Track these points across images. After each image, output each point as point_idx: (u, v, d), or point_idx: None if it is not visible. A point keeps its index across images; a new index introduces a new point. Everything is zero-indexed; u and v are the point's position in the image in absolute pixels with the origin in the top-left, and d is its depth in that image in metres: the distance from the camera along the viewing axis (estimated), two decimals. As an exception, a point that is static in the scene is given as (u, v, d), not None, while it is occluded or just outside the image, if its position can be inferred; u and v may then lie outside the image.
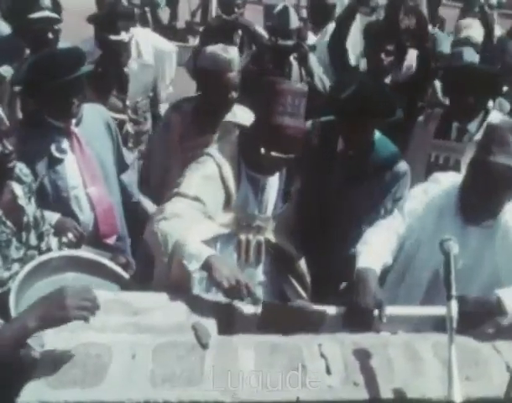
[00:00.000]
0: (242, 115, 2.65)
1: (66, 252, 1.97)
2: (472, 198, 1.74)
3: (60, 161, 2.24)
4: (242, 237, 1.94)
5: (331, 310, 1.60)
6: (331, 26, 3.76)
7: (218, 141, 2.18)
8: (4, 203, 1.78)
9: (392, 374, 1.40)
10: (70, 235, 2.06)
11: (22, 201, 1.87)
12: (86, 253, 2.00)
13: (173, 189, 1.93)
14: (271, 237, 1.98)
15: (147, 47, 3.43)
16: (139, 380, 1.30)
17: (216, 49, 2.58)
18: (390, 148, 2.27)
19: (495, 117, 2.58)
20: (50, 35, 2.93)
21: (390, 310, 1.58)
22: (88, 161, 2.31)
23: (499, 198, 1.73)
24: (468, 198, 1.75)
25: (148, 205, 2.65)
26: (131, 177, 2.65)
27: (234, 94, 2.52)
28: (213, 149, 2.01)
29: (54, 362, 1.31)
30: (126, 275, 2.01)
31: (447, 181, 1.90)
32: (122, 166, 2.57)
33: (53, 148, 2.21)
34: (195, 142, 2.56)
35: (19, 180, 1.88)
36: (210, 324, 1.49)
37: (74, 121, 2.27)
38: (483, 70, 2.65)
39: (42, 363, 1.30)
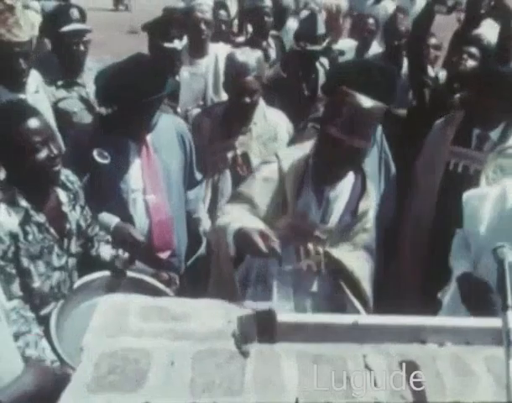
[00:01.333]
0: (273, 118, 2.62)
1: (107, 273, 1.96)
2: None
3: (102, 166, 2.22)
4: (301, 245, 1.90)
5: (376, 319, 1.53)
6: (290, 25, 3.83)
7: (292, 144, 2.16)
8: (48, 209, 1.80)
9: (442, 389, 1.32)
10: (126, 254, 2.02)
11: (66, 207, 1.88)
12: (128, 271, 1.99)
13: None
14: (333, 250, 1.93)
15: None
16: (179, 388, 1.26)
17: (234, 51, 2.56)
18: None
19: None
20: (82, 47, 2.96)
21: (438, 320, 1.51)
22: (152, 168, 2.31)
23: None
24: None
25: (206, 222, 2.62)
26: (197, 193, 2.62)
27: (248, 99, 2.46)
28: (282, 152, 2.02)
29: (93, 366, 1.28)
30: (169, 292, 1.98)
31: None
32: (191, 182, 2.56)
33: (95, 153, 2.21)
34: (223, 144, 2.55)
35: (64, 187, 1.90)
36: (250, 332, 1.45)
37: (148, 128, 2.27)
38: (507, 74, 2.51)
39: (81, 367, 1.28)
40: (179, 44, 3.04)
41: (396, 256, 2.69)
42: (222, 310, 1.52)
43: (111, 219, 2.15)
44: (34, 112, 1.76)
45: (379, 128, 2.51)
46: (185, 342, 1.39)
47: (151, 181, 2.31)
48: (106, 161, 2.23)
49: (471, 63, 2.97)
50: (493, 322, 1.50)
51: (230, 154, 2.58)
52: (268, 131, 2.60)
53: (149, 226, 2.28)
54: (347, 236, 2.03)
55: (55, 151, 1.75)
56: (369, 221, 2.07)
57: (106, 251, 2.02)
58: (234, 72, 2.48)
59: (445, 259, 2.20)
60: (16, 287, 1.74)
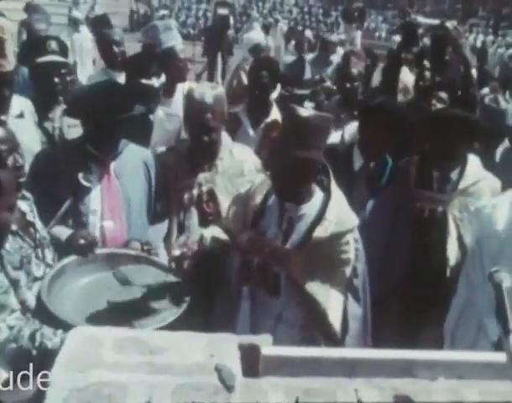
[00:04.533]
0: (239, 154, 2.59)
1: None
2: None
3: (86, 190, 2.21)
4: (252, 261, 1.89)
5: (367, 353, 1.46)
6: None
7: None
8: (16, 220, 1.76)
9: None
10: (82, 241, 2.01)
11: (30, 217, 1.84)
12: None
13: None
14: (300, 276, 1.87)
15: None
16: (158, 425, 1.14)
17: (192, 88, 2.52)
18: None
19: (473, 163, 2.50)
20: (57, 79, 2.90)
21: (430, 354, 1.44)
22: (112, 194, 2.27)
23: None
24: None
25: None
26: (158, 229, 2.54)
27: (206, 137, 2.41)
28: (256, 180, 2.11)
29: (61, 401, 1.16)
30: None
31: None
32: (153, 216, 2.49)
33: (80, 176, 2.19)
34: (188, 181, 2.50)
35: (23, 197, 1.86)
36: (234, 365, 1.35)
37: (111, 153, 2.26)
38: (467, 117, 2.55)
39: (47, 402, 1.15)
40: (156, 81, 3.02)
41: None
42: (202, 342, 1.42)
43: (64, 232, 2.10)
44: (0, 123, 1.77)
45: None
46: (164, 376, 1.28)
47: (109, 206, 2.26)
48: (90, 185, 2.22)
49: (440, 107, 3.04)
50: (487, 356, 1.45)
51: (195, 191, 2.52)
52: (234, 167, 2.55)
53: None
54: (321, 264, 1.94)
55: (20, 161, 1.75)
56: (347, 251, 1.99)
57: (49, 253, 1.98)
58: (192, 109, 2.43)
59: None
60: (13, 299, 1.74)
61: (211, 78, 8.62)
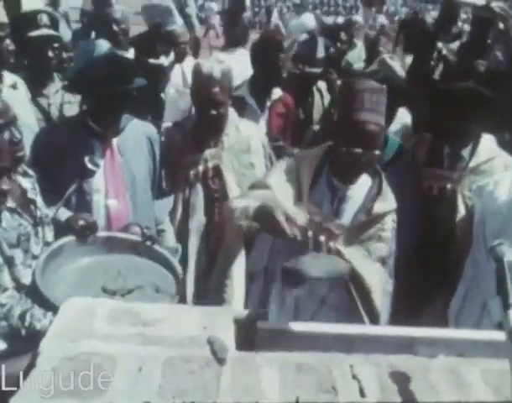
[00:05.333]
0: (245, 130, 2.56)
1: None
2: None
3: (91, 173, 2.18)
4: (312, 235, 1.80)
5: (365, 329, 1.42)
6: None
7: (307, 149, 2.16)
8: (16, 197, 1.73)
9: (437, 401, 1.21)
10: (81, 222, 1.99)
11: (31, 194, 1.82)
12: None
13: None
14: (345, 250, 1.83)
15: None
16: (145, 395, 1.13)
17: (199, 63, 2.51)
18: None
19: (487, 141, 2.42)
20: (50, 53, 2.87)
21: (430, 331, 1.41)
22: (116, 172, 2.24)
23: None
24: None
25: (170, 234, 2.52)
26: (164, 204, 2.52)
27: (214, 111, 2.40)
28: (298, 150, 2.01)
29: (50, 370, 1.15)
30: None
31: None
32: (159, 191, 2.46)
33: (87, 159, 2.16)
34: (194, 157, 2.47)
35: (26, 174, 1.83)
36: (228, 338, 1.32)
37: (114, 129, 2.23)
38: (482, 93, 2.44)
39: (36, 370, 1.14)
40: (165, 60, 2.99)
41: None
42: (197, 315, 1.40)
43: (65, 213, 2.08)
44: None
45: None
46: (155, 348, 1.26)
47: (113, 185, 2.23)
48: (96, 168, 2.18)
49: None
50: (488, 335, 1.41)
51: (201, 168, 2.49)
52: (240, 142, 2.52)
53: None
54: (361, 239, 1.94)
55: (18, 135, 1.70)
56: (387, 230, 2.00)
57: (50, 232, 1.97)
58: (199, 84, 2.41)
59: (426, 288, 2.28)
60: (6, 277, 1.73)
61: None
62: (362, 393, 1.20)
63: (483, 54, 3.58)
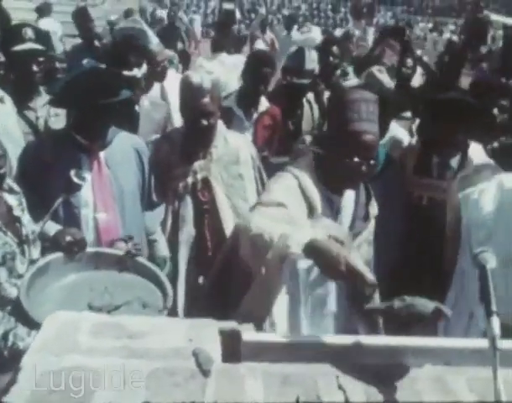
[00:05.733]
0: (234, 141, 2.56)
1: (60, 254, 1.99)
2: None
3: (77, 187, 2.16)
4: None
5: (350, 339, 1.41)
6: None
7: (293, 163, 2.01)
8: (0, 215, 1.70)
9: (422, 410, 1.21)
10: (69, 238, 1.96)
11: (17, 211, 1.79)
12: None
13: None
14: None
15: (174, 94, 3.40)
16: (129, 409, 1.12)
17: (189, 74, 2.52)
18: None
19: (475, 150, 2.44)
20: (35, 67, 2.87)
21: (416, 341, 1.40)
22: (104, 185, 2.22)
23: None
24: None
25: (163, 245, 2.50)
26: (155, 215, 2.50)
27: (205, 121, 2.41)
28: (289, 167, 1.92)
29: (32, 385, 1.13)
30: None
31: None
32: (149, 203, 2.44)
33: (72, 173, 2.14)
34: (183, 169, 2.47)
35: (11, 191, 1.80)
36: (213, 350, 1.32)
37: (100, 142, 2.21)
38: (471, 103, 2.47)
39: (17, 386, 1.13)
40: (138, 71, 2.97)
41: None
42: (183, 327, 1.39)
43: (53, 227, 2.05)
44: None
45: None
46: (139, 361, 1.25)
47: (102, 198, 2.21)
48: (82, 182, 2.17)
49: (501, 117, 2.96)
50: (474, 343, 1.41)
51: (190, 180, 2.49)
52: (229, 154, 2.52)
53: (98, 246, 2.16)
54: (357, 245, 1.93)
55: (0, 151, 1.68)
56: (372, 233, 2.00)
57: (36, 250, 1.93)
58: (190, 95, 2.42)
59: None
60: None
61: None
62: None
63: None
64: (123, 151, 2.30)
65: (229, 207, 2.54)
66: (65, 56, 3.96)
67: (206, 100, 2.38)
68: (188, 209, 2.51)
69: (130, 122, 2.94)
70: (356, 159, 1.80)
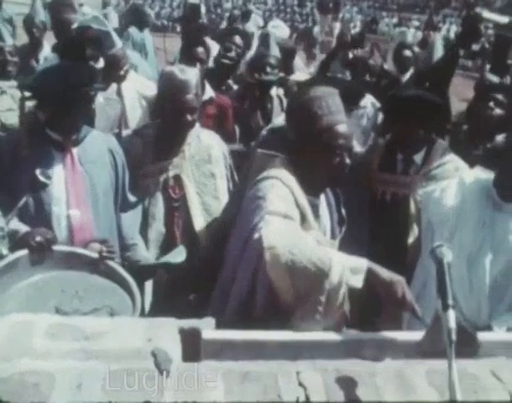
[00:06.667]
0: (206, 140, 2.54)
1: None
2: None
3: (43, 186, 2.09)
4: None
5: (310, 335, 1.42)
6: None
7: (266, 170, 1.90)
8: None
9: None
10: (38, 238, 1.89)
11: None
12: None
13: None
14: None
15: (130, 93, 3.32)
16: (84, 413, 1.09)
17: (172, 69, 2.49)
18: None
19: (439, 146, 2.48)
20: None
21: (375, 335, 1.42)
22: (77, 182, 2.16)
23: None
24: None
25: (143, 248, 2.42)
26: (133, 217, 2.43)
27: (190, 117, 2.40)
28: (276, 173, 1.80)
29: (-18, 391, 1.09)
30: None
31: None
32: (123, 204, 2.38)
33: (38, 171, 2.07)
34: (156, 166, 2.44)
35: None
36: (173, 350, 1.30)
37: (73, 138, 2.16)
38: (432, 100, 2.47)
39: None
40: (95, 65, 2.89)
41: None
42: (142, 327, 1.37)
43: (22, 228, 1.98)
44: None
45: None
46: (96, 362, 1.22)
47: (75, 194, 2.14)
48: (48, 181, 2.10)
49: (498, 111, 2.97)
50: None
51: (162, 177, 2.45)
52: (201, 152, 2.50)
53: (71, 245, 2.09)
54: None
55: None
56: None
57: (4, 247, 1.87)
58: (174, 90, 2.39)
59: None
60: None
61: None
62: (308, 400, 1.20)
63: (504, 73, 3.59)
64: (97, 149, 2.25)
65: (200, 205, 2.51)
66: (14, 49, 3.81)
67: (191, 96, 2.38)
68: (159, 206, 2.47)
69: (87, 118, 2.88)
70: (338, 152, 1.77)
